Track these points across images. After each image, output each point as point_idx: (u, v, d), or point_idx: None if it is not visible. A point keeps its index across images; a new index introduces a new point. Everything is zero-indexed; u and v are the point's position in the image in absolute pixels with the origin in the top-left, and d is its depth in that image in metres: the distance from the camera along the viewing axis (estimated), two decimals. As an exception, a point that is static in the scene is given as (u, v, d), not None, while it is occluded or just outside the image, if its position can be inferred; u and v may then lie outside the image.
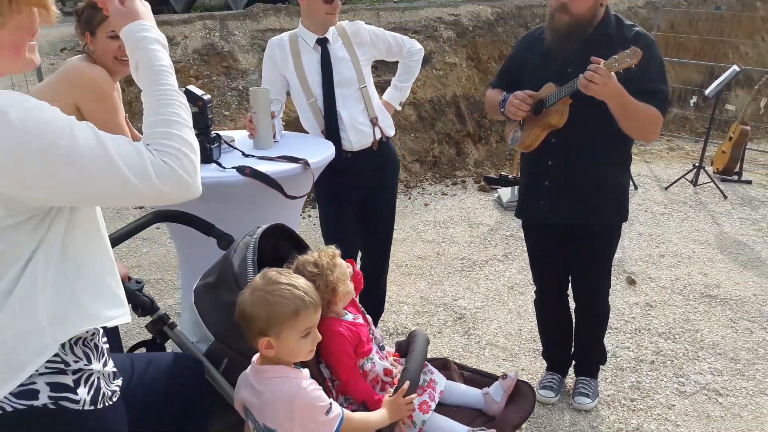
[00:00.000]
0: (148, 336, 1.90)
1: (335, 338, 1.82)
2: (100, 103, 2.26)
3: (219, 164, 2.49)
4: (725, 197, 5.83)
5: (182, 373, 1.67)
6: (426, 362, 1.99)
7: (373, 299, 3.22)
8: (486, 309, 3.82)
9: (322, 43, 2.89)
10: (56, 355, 1.23)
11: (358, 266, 2.06)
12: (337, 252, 1.88)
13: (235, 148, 2.69)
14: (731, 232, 5.08)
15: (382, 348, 2.01)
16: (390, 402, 1.77)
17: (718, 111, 6.66)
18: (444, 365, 2.17)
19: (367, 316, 2.02)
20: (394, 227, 3.28)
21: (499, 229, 5.08)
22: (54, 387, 1.23)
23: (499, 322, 3.66)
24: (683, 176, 6.21)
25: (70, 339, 1.26)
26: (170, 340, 1.84)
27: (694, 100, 8.29)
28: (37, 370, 1.21)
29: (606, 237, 2.67)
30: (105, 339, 1.36)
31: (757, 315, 3.75)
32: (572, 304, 2.90)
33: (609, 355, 3.10)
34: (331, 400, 1.62)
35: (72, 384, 1.25)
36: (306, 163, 2.53)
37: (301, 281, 1.63)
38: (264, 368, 1.62)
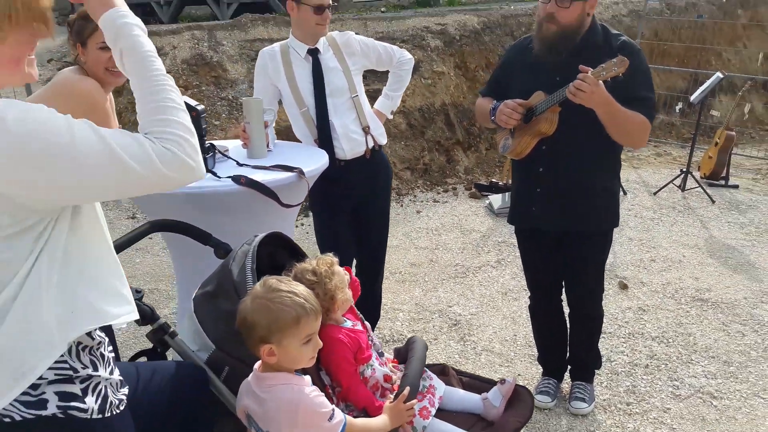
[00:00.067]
0: (145, 346, 1.89)
1: (335, 345, 1.83)
2: (93, 115, 2.23)
3: (214, 174, 2.49)
4: (713, 202, 5.90)
5: (185, 381, 1.67)
6: (425, 368, 2.00)
7: (369, 306, 3.22)
8: (481, 315, 3.83)
9: (314, 53, 2.90)
10: (64, 361, 1.23)
11: (354, 274, 2.06)
12: (335, 260, 1.88)
13: (230, 158, 2.69)
14: (720, 236, 5.13)
15: (381, 354, 2.01)
16: (391, 408, 1.77)
17: (704, 117, 6.75)
18: (442, 371, 2.17)
19: (366, 323, 2.03)
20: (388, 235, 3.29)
21: (491, 236, 5.10)
22: (62, 396, 1.23)
23: (494, 328, 3.68)
24: (671, 181, 6.27)
25: (78, 345, 1.26)
26: (171, 349, 1.83)
27: (679, 106, 8.39)
28: (46, 378, 1.21)
29: (597, 242, 2.69)
30: (111, 348, 1.36)
31: (749, 318, 3.79)
32: (566, 309, 2.92)
33: (604, 359, 3.12)
34: (334, 406, 1.62)
35: (80, 393, 1.25)
36: (301, 172, 2.54)
37: (301, 288, 1.64)
38: (266, 375, 1.62)
